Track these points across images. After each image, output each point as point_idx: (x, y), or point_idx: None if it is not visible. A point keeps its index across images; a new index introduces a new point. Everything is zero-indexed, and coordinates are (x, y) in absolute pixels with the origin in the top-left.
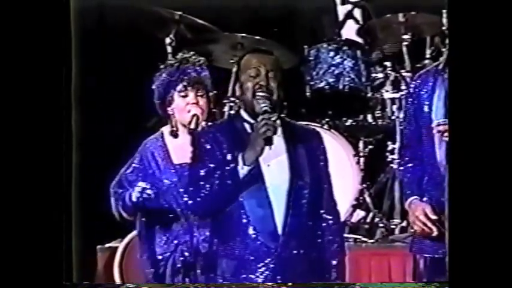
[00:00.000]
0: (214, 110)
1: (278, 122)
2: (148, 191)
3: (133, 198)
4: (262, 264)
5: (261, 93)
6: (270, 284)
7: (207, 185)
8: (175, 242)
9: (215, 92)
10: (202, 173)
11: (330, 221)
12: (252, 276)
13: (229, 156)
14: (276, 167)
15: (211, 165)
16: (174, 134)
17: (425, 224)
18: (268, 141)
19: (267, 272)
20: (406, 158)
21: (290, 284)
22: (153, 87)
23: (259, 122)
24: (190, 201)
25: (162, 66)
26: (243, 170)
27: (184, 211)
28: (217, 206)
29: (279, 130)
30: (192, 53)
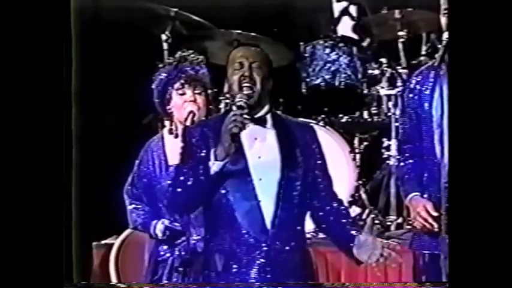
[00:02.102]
0: (210, 107)
1: (268, 117)
2: (176, 224)
3: (159, 233)
4: (252, 257)
5: (245, 84)
6: (267, 284)
7: (183, 182)
8: (174, 243)
9: (214, 90)
10: (185, 169)
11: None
12: (244, 269)
13: (212, 149)
14: (266, 159)
15: (195, 160)
16: (174, 134)
17: (426, 220)
18: (234, 138)
19: (257, 266)
20: (406, 155)
21: (287, 283)
22: (153, 86)
23: (228, 117)
24: (170, 198)
25: (160, 66)
26: (214, 167)
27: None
28: (192, 202)
29: (269, 123)
30: (190, 51)
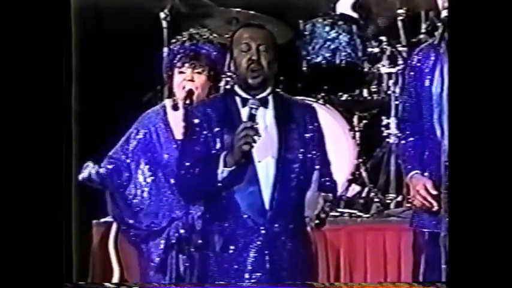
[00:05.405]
0: (211, 85)
1: (270, 98)
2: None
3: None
4: (251, 239)
5: (253, 68)
6: (267, 284)
7: (190, 169)
8: (171, 217)
9: (217, 69)
10: (189, 150)
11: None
12: (241, 251)
13: (216, 130)
14: (265, 141)
15: (199, 141)
16: (176, 108)
17: (425, 199)
18: (245, 155)
19: (255, 248)
20: (407, 132)
21: (286, 283)
22: (165, 61)
23: (239, 130)
24: (177, 183)
25: (173, 41)
26: (223, 174)
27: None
28: (198, 193)
29: (271, 105)
30: (200, 28)
